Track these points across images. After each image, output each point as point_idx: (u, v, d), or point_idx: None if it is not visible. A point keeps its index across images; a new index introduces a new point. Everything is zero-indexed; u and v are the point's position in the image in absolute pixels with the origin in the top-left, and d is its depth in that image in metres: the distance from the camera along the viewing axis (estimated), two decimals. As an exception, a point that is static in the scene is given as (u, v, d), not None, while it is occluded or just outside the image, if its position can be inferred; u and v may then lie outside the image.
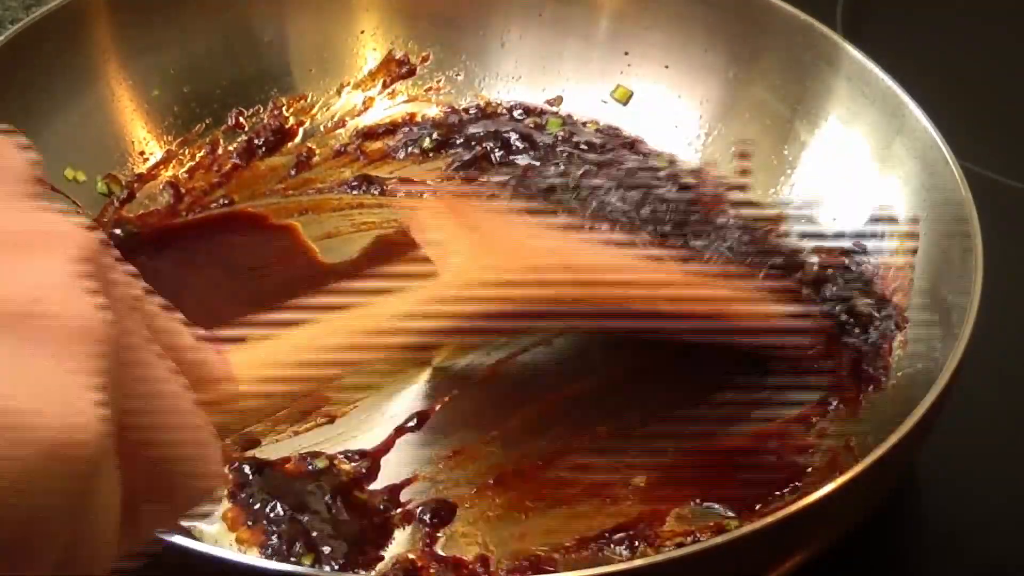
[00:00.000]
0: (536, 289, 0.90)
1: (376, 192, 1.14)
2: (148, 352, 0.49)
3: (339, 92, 1.20)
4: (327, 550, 0.89)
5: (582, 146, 1.17)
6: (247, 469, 0.92)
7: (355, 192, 1.14)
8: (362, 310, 0.81)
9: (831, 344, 1.02)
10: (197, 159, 1.14)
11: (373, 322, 0.80)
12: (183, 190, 1.12)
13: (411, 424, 0.97)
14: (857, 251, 1.07)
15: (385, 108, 1.20)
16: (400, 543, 0.90)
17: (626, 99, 1.20)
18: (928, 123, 1.04)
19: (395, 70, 1.21)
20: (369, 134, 1.18)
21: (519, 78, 1.22)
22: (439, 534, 0.91)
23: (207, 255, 1.09)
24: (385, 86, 1.21)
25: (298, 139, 1.18)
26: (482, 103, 1.20)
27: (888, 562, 0.96)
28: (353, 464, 0.94)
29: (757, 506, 0.92)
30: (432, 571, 0.88)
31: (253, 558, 0.80)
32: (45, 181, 1.06)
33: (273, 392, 0.71)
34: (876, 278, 1.05)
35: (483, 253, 0.91)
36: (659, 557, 0.80)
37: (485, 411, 0.98)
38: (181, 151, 1.14)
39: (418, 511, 0.91)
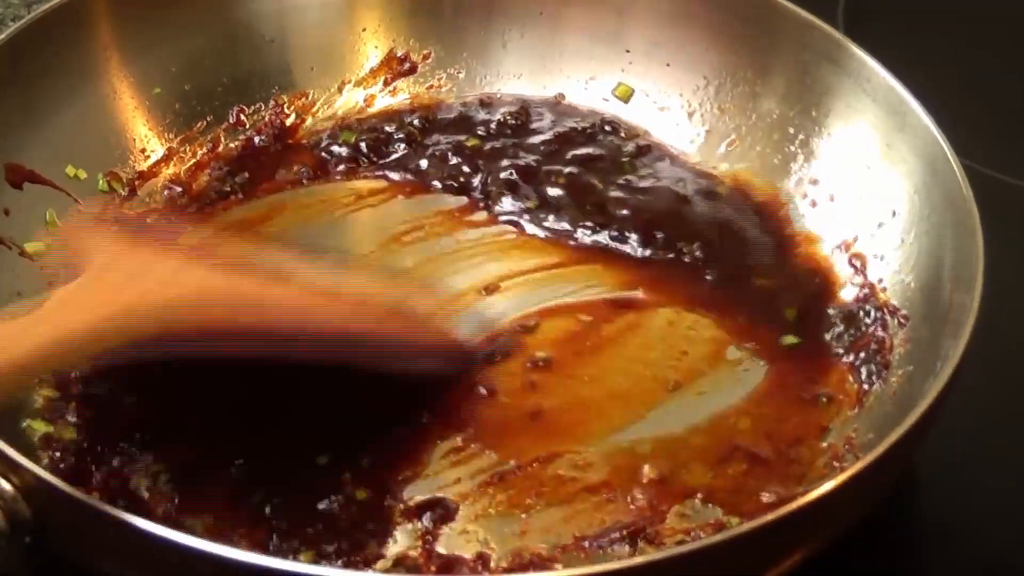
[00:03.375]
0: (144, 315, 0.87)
1: None
2: None
3: (340, 90, 1.20)
4: (329, 548, 0.89)
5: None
6: (248, 467, 0.92)
7: None
8: None
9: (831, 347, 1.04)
10: (198, 157, 1.15)
11: None
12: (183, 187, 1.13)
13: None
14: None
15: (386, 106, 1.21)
16: (401, 541, 0.90)
17: (627, 97, 1.20)
18: (929, 121, 1.04)
19: (396, 68, 1.21)
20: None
21: (520, 76, 1.22)
22: (440, 532, 0.91)
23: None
24: (386, 83, 1.21)
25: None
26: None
27: (888, 559, 0.96)
28: (355, 462, 0.94)
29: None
30: (432, 568, 0.89)
31: (253, 556, 0.80)
32: (46, 179, 1.06)
33: None
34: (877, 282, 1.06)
35: (97, 281, 0.88)
36: (660, 555, 0.80)
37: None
38: (182, 148, 1.15)
39: (419, 509, 0.92)
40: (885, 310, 1.04)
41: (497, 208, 1.12)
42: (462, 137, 1.17)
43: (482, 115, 1.19)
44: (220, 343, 0.89)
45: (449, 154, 1.15)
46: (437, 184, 1.14)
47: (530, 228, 1.11)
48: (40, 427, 0.94)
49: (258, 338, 0.91)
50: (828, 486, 0.82)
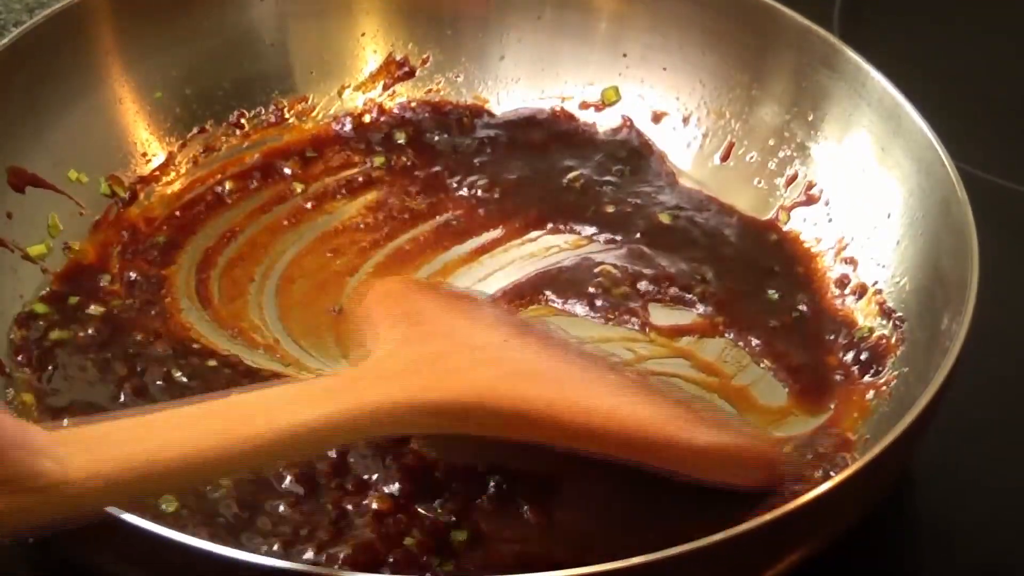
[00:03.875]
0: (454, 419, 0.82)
1: None
2: None
3: (340, 94, 1.21)
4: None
5: None
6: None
7: None
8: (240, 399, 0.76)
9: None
10: (198, 160, 1.15)
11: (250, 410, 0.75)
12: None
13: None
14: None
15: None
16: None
17: (613, 100, 1.21)
18: (924, 124, 1.04)
19: (395, 72, 1.22)
20: None
21: (518, 80, 1.22)
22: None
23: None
24: (385, 88, 1.21)
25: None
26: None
27: (885, 560, 0.96)
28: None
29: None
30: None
31: (254, 556, 0.80)
32: (49, 182, 1.07)
33: (114, 483, 0.68)
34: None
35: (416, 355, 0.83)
36: (658, 554, 0.81)
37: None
38: (182, 152, 1.15)
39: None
40: (881, 312, 1.04)
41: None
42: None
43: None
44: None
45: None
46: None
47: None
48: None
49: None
50: (826, 486, 0.83)
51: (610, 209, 1.14)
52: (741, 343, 1.05)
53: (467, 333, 0.90)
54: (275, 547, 0.88)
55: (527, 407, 0.83)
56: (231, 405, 0.77)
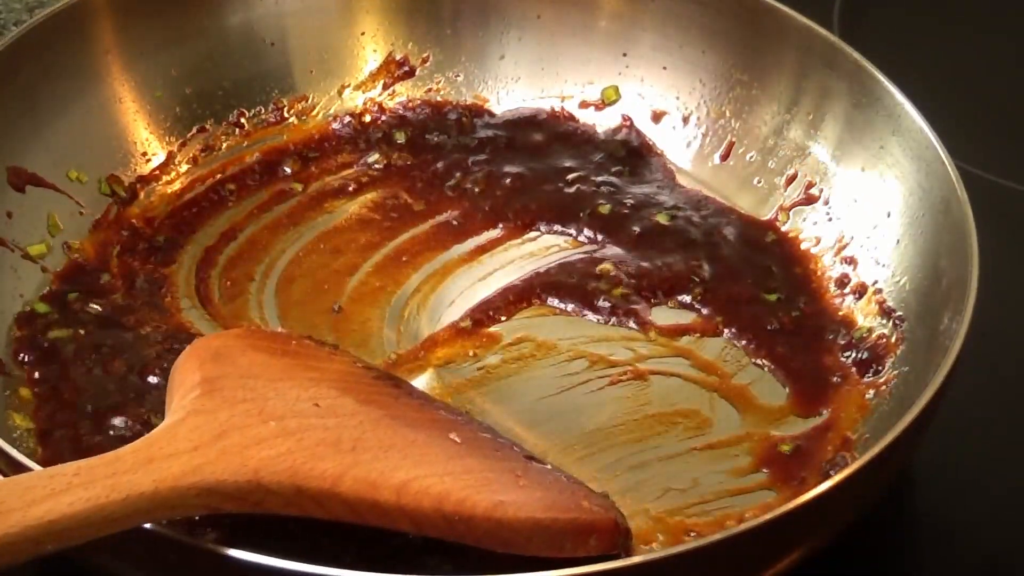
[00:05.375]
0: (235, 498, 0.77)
1: None
2: None
3: (340, 93, 1.21)
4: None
5: None
6: None
7: None
8: None
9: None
10: (198, 159, 1.15)
11: None
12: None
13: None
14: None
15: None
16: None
17: (613, 99, 1.21)
18: (924, 123, 1.04)
19: (395, 71, 1.22)
20: None
21: (518, 79, 1.22)
22: None
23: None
24: (385, 87, 1.22)
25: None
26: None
27: (885, 559, 0.97)
28: None
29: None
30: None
31: (254, 555, 0.80)
32: (48, 182, 1.07)
33: None
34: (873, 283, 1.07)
35: (209, 428, 0.78)
36: (659, 553, 0.81)
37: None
38: (182, 151, 1.15)
39: None
40: (880, 311, 1.04)
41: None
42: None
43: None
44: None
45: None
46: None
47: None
48: (25, 422, 0.95)
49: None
50: (826, 486, 0.83)
51: (609, 209, 1.14)
52: (740, 342, 1.05)
53: (270, 401, 0.83)
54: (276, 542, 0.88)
55: (309, 485, 0.78)
56: None
